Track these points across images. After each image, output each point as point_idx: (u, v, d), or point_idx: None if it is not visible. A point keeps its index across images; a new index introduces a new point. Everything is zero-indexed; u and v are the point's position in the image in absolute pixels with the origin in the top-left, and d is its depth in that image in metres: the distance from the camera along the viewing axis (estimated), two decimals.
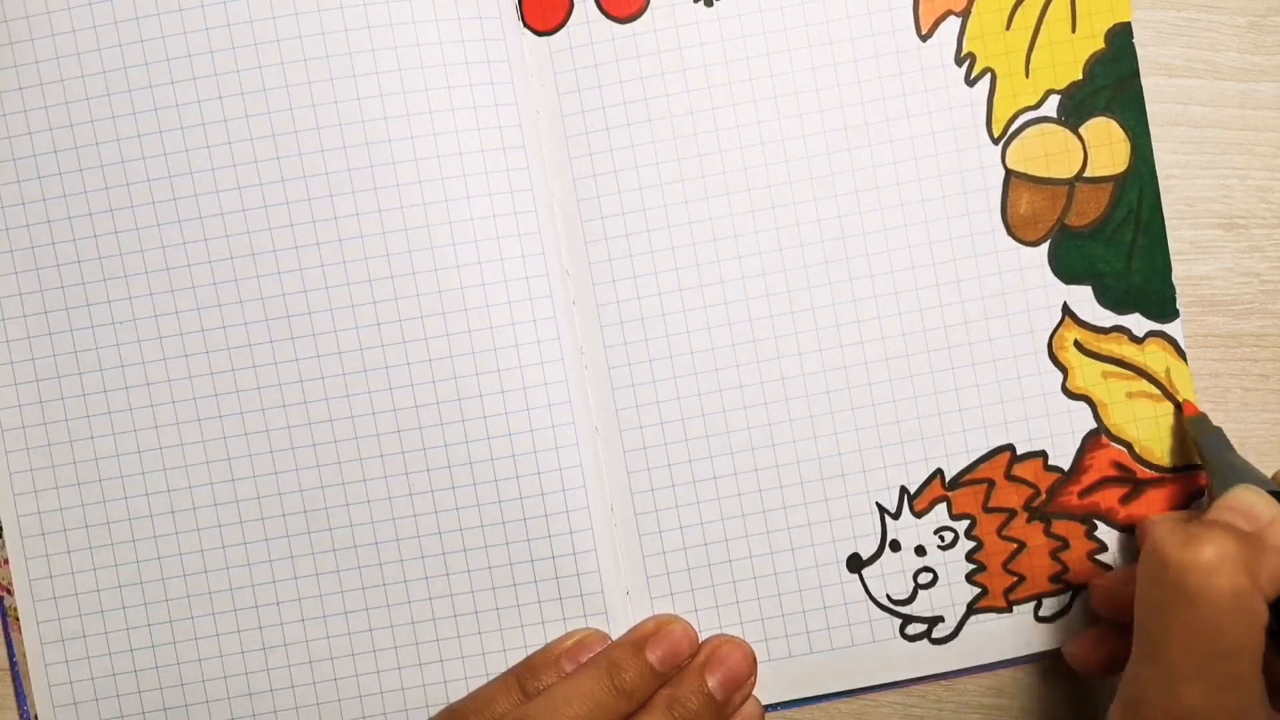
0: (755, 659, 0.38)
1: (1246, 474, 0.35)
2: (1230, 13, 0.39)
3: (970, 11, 0.38)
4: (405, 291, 0.37)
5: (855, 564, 0.39)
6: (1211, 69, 0.39)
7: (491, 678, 0.38)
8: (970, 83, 0.39)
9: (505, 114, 0.38)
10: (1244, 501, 0.33)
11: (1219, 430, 0.38)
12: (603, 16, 0.38)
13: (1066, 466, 0.39)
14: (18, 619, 0.39)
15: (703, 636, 0.39)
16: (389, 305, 0.37)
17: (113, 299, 0.38)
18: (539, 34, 0.38)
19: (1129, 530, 0.40)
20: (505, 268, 0.37)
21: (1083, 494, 0.39)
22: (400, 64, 0.37)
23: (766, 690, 0.39)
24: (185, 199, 0.38)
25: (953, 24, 0.38)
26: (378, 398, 0.38)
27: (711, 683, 0.37)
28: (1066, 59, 0.39)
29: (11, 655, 0.39)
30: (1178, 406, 0.39)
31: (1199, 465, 0.39)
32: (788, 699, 0.39)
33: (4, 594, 0.39)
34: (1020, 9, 0.38)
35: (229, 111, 0.37)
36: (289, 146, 0.37)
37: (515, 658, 0.38)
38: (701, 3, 0.38)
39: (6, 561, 0.39)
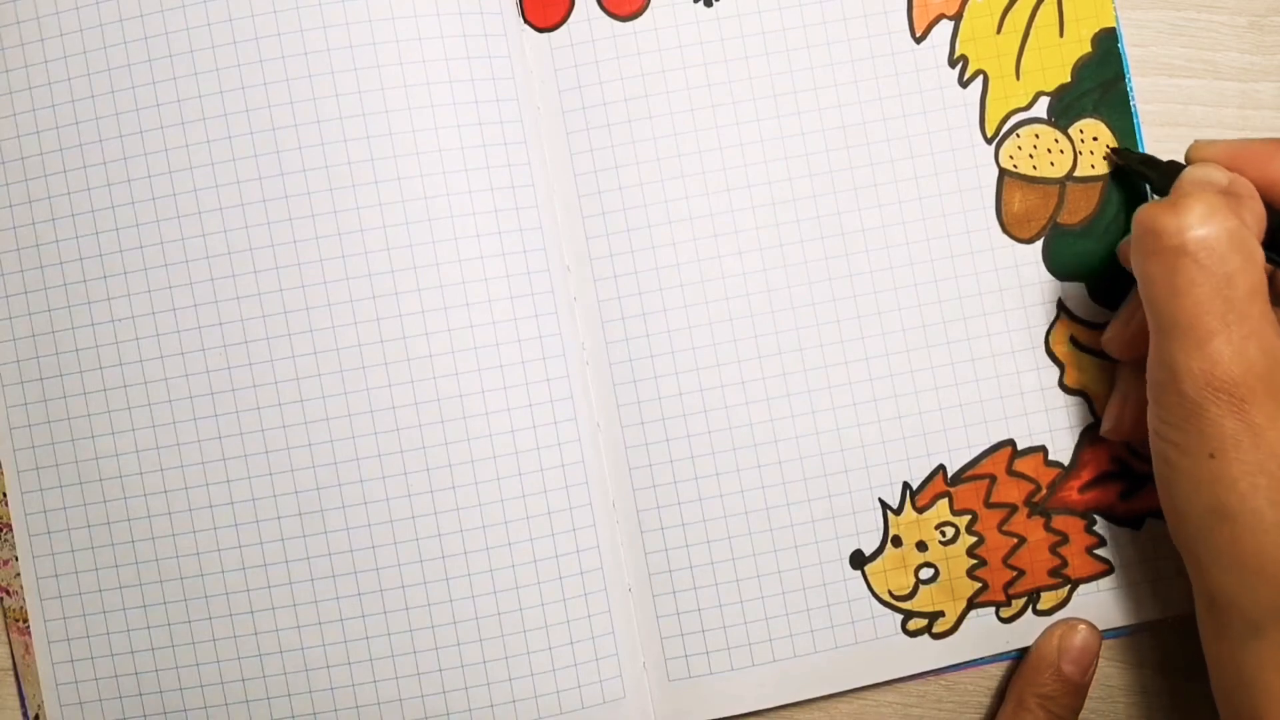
0: (1098, 630, 0.39)
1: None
2: (1230, 13, 0.40)
3: (962, 15, 0.39)
4: (405, 286, 0.37)
5: (858, 560, 0.39)
6: (1211, 69, 0.40)
7: (493, 686, 0.37)
8: (963, 84, 0.39)
9: (506, 109, 0.38)
10: (1199, 172, 0.34)
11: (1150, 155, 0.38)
12: (603, 14, 0.39)
13: (1066, 462, 0.40)
14: (18, 620, 0.38)
15: (709, 635, 0.39)
16: (388, 300, 0.37)
17: (112, 296, 0.37)
18: (540, 30, 0.39)
19: (1129, 525, 0.40)
20: (506, 263, 0.37)
21: (1083, 489, 0.40)
22: (401, 58, 0.37)
23: (770, 692, 0.39)
24: (184, 194, 0.37)
25: (945, 27, 0.39)
26: (376, 395, 0.37)
27: (1073, 670, 0.38)
28: (1055, 62, 0.40)
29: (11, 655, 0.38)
30: (1119, 152, 0.39)
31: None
32: (792, 700, 0.39)
33: (3, 594, 0.38)
34: (1010, 13, 0.39)
35: (229, 106, 0.37)
36: (288, 140, 0.37)
37: (516, 665, 0.37)
38: (701, 2, 0.39)
39: (6, 562, 0.38)
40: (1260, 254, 0.32)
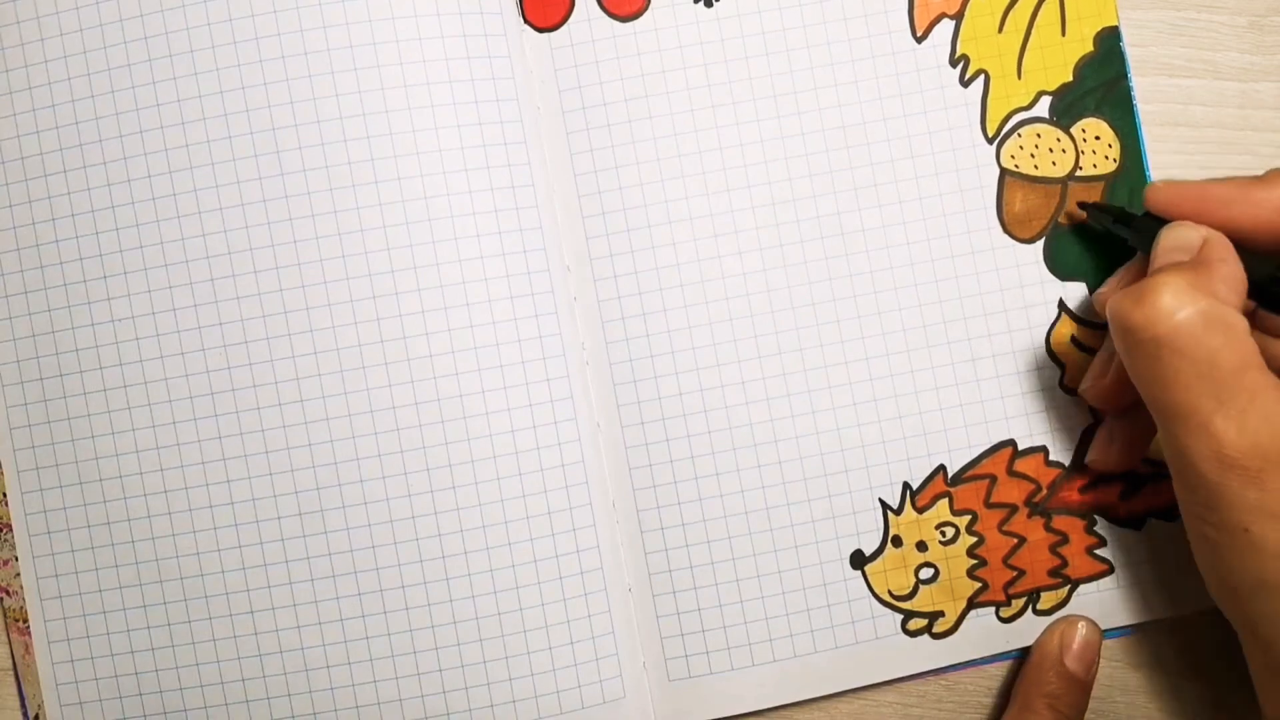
0: (1098, 627, 0.39)
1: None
2: (1230, 13, 0.40)
3: (964, 15, 0.39)
4: (405, 286, 0.37)
5: (858, 560, 0.39)
6: (1211, 69, 0.40)
7: (493, 686, 0.37)
8: (965, 84, 0.39)
9: (506, 109, 0.38)
10: (1172, 238, 0.34)
11: (1121, 209, 0.38)
12: (604, 14, 0.39)
13: (1067, 462, 0.40)
14: (17, 620, 0.38)
15: (709, 635, 0.39)
16: (388, 300, 0.37)
17: (112, 296, 0.37)
18: (540, 30, 0.39)
19: (1129, 525, 0.40)
20: (506, 263, 0.37)
21: (1083, 489, 0.40)
22: (401, 58, 0.37)
23: (770, 691, 0.39)
24: (184, 194, 0.37)
25: (947, 26, 0.39)
26: (376, 395, 0.37)
27: (1076, 667, 0.38)
28: (1057, 61, 0.40)
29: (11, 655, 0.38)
30: (1090, 209, 0.39)
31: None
32: (792, 700, 0.39)
33: (3, 594, 0.38)
34: (1012, 12, 0.39)
35: (229, 106, 0.37)
36: (288, 140, 0.37)
37: (516, 665, 0.37)
38: (701, 3, 0.39)
39: (6, 562, 0.38)
40: (1240, 322, 0.31)
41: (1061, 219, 0.39)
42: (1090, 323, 0.40)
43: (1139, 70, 0.40)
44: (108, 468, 0.38)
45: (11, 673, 0.38)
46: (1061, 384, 0.40)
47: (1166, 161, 0.40)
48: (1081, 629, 0.39)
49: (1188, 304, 0.31)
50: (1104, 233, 0.38)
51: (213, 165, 0.37)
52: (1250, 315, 0.33)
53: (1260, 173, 0.37)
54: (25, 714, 0.38)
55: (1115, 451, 0.38)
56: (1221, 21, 0.40)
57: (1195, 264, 0.32)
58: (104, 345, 0.38)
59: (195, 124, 0.37)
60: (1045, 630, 0.39)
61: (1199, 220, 0.34)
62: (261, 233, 0.37)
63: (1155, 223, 0.35)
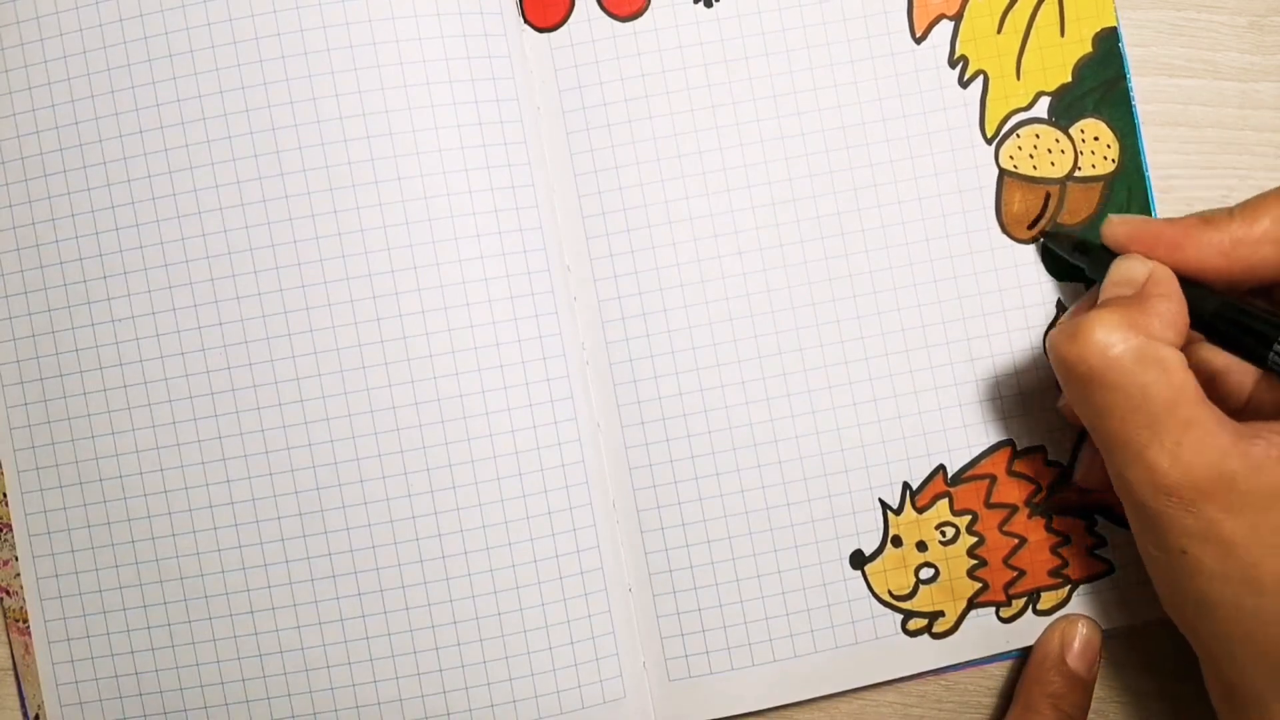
0: (1099, 625, 0.39)
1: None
2: (1230, 13, 0.40)
3: (963, 15, 0.39)
4: (405, 286, 0.37)
5: (858, 560, 0.39)
6: (1211, 69, 0.40)
7: (493, 686, 0.37)
8: (963, 84, 0.39)
9: (506, 109, 0.38)
10: (1118, 272, 0.35)
11: (1080, 238, 0.38)
12: (604, 14, 0.39)
13: (1066, 462, 0.40)
14: (17, 620, 0.38)
15: (709, 635, 0.39)
16: (388, 300, 0.37)
17: (112, 296, 0.37)
18: (540, 30, 0.39)
19: (1128, 525, 0.40)
20: (506, 263, 0.37)
21: (1083, 490, 0.40)
22: (401, 58, 0.37)
23: (770, 692, 0.39)
24: (184, 194, 0.37)
25: (946, 27, 0.39)
26: (376, 395, 0.37)
27: (1078, 666, 0.38)
28: (1056, 62, 0.40)
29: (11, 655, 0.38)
30: (1050, 237, 0.39)
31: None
32: (792, 700, 0.39)
33: (3, 595, 0.38)
34: (1011, 13, 0.39)
35: (229, 106, 0.37)
36: (288, 140, 0.37)
37: (517, 665, 0.37)
38: (701, 3, 0.39)
39: (6, 563, 0.38)
40: (1173, 357, 0.32)
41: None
42: None
43: (1139, 70, 0.40)
44: (108, 468, 0.37)
45: (11, 673, 0.38)
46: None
47: (1166, 161, 0.40)
48: (1082, 628, 0.39)
49: (1119, 341, 0.32)
50: (1068, 260, 0.39)
51: (213, 165, 0.37)
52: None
53: (1258, 171, 0.37)
54: (25, 714, 0.38)
55: (1099, 468, 0.38)
56: (1221, 21, 0.40)
57: (1133, 300, 0.33)
58: (104, 345, 0.38)
59: (195, 124, 0.37)
60: (1046, 630, 0.39)
61: (1149, 255, 0.35)
62: (261, 233, 0.37)
63: (1109, 255, 0.36)
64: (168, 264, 0.37)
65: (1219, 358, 0.36)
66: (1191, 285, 0.34)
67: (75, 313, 0.38)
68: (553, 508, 0.38)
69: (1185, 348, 0.33)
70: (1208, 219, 0.34)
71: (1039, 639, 0.39)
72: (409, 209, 0.37)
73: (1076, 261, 0.38)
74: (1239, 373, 0.36)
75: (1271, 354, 0.32)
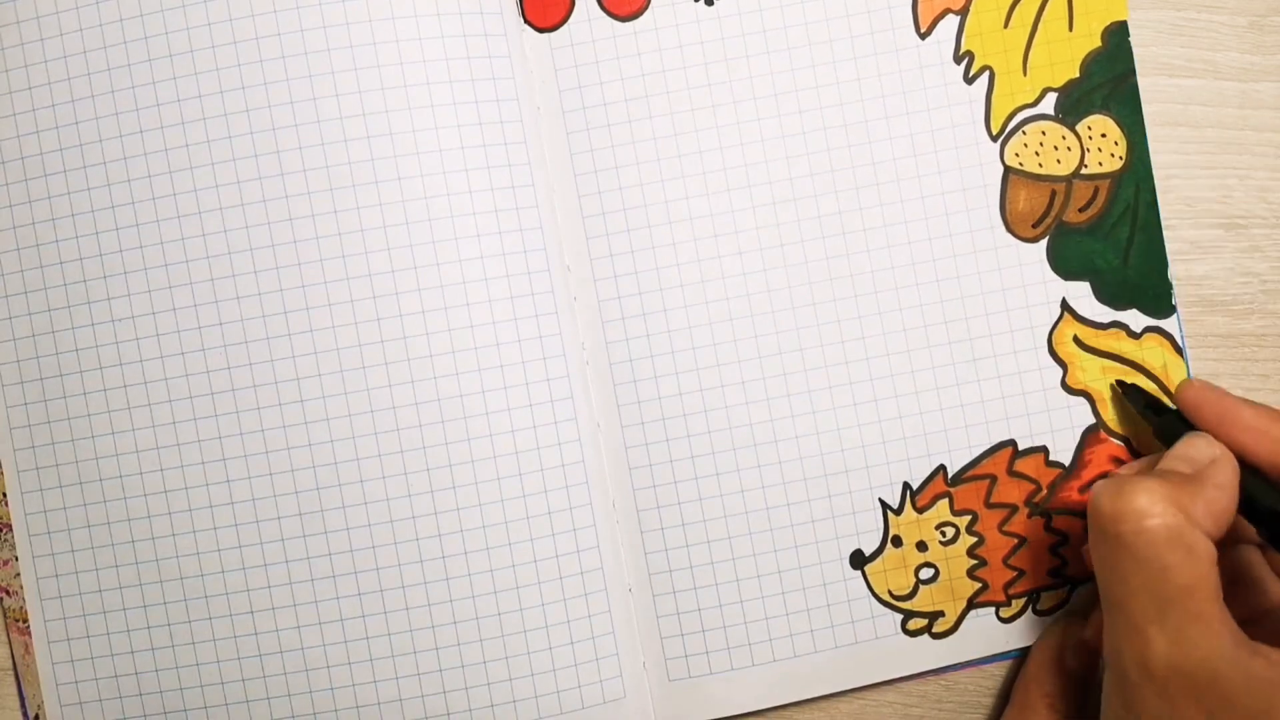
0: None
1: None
2: (1230, 13, 0.40)
3: (968, 10, 0.39)
4: (405, 286, 0.37)
5: (858, 560, 0.39)
6: (1211, 69, 0.40)
7: (493, 686, 0.38)
8: (969, 80, 0.39)
9: (506, 109, 0.38)
10: (1184, 447, 0.35)
11: (1155, 398, 0.39)
12: (604, 14, 0.38)
13: (1067, 462, 0.39)
14: (17, 620, 0.38)
15: (709, 635, 0.39)
16: (389, 300, 0.37)
17: (112, 296, 0.38)
18: (540, 30, 0.38)
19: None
20: (506, 263, 0.37)
21: (1083, 489, 0.40)
22: (402, 58, 0.37)
23: (770, 691, 0.39)
24: (184, 194, 0.37)
25: (951, 22, 0.39)
26: (376, 394, 0.37)
27: (1076, 665, 0.38)
28: (1064, 57, 0.39)
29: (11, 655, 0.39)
30: (1126, 390, 0.39)
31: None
32: (792, 700, 0.39)
33: (3, 594, 0.39)
34: (1018, 8, 0.39)
35: (229, 106, 0.37)
36: (288, 140, 0.37)
37: (517, 665, 0.38)
38: (702, 2, 0.38)
39: (6, 562, 0.38)
40: (1206, 548, 0.31)
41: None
42: (1093, 322, 0.39)
43: (1139, 70, 0.40)
44: (108, 467, 0.38)
45: (11, 673, 0.39)
46: (1063, 384, 0.39)
47: (1166, 162, 0.40)
48: (1081, 627, 0.39)
49: (1157, 515, 0.31)
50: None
51: (213, 165, 0.37)
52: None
53: (1258, 171, 0.37)
54: (25, 714, 0.39)
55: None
56: (1221, 21, 0.40)
57: (1187, 480, 0.33)
58: (104, 345, 0.38)
59: (195, 124, 0.37)
60: (1045, 630, 0.39)
61: (1216, 431, 0.35)
62: (261, 233, 0.37)
63: (1181, 425, 0.36)
64: (168, 264, 0.37)
65: (1257, 564, 0.36)
66: (1257, 476, 0.34)
67: (75, 312, 0.38)
68: (552, 508, 0.38)
69: (1230, 544, 0.32)
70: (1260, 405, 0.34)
71: (1038, 638, 0.39)
72: (409, 209, 0.37)
73: (1147, 419, 0.38)
74: (1272, 583, 0.36)
75: None
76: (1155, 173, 0.39)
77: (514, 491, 0.37)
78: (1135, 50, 0.39)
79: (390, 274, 0.37)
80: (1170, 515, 0.31)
